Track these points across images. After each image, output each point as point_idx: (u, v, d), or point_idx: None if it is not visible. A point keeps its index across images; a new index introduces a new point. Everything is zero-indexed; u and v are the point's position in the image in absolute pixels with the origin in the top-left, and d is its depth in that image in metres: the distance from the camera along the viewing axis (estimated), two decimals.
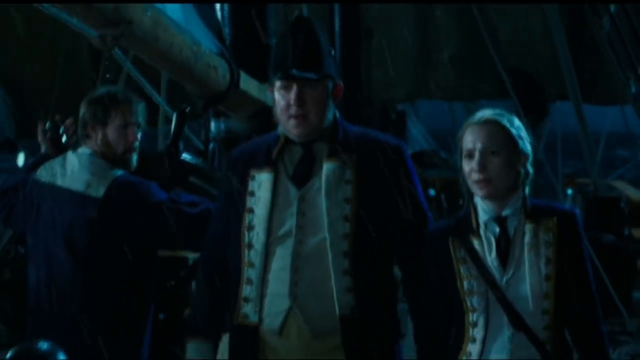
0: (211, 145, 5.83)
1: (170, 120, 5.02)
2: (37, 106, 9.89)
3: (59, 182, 4.52)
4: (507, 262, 3.63)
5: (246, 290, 3.83)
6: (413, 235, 3.86)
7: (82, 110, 4.58)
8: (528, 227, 3.64)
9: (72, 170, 4.51)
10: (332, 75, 3.84)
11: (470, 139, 3.65)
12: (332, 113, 3.88)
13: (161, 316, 5.04)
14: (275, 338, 3.81)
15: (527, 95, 9.46)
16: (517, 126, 3.68)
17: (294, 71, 3.76)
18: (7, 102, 9.84)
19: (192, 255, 5.06)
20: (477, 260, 3.63)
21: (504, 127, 3.65)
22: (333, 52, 3.88)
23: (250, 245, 3.83)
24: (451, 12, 10.44)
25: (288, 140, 3.86)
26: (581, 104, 9.13)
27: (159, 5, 4.43)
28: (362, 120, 8.59)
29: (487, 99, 10.21)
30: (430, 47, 10.60)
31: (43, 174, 4.59)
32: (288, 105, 3.80)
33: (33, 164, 4.75)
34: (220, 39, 5.40)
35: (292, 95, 3.79)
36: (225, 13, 6.19)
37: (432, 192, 10.79)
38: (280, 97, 3.81)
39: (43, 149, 4.82)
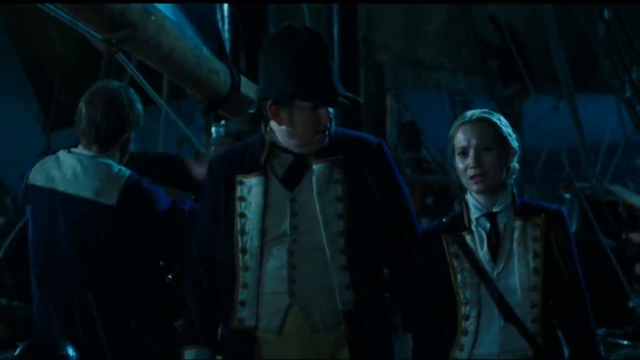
0: (212, 150, 5.91)
1: (172, 123, 5.02)
2: (68, 96, 9.92)
3: (60, 187, 4.32)
4: (497, 256, 3.75)
5: (242, 294, 3.87)
6: (399, 230, 3.95)
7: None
8: (517, 224, 3.78)
9: (73, 174, 4.32)
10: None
11: (464, 137, 3.78)
12: None
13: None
14: (274, 337, 3.86)
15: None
16: (505, 124, 3.82)
17: (340, 98, 3.82)
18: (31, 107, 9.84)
19: None
20: (469, 254, 3.76)
21: (495, 124, 3.80)
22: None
23: (244, 250, 3.87)
24: None
25: (275, 146, 3.90)
26: (574, 96, 9.03)
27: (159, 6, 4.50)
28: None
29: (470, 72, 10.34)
30: (417, 18, 10.84)
31: (37, 178, 4.37)
32: (318, 122, 3.83)
33: None
34: (219, 45, 5.48)
35: (324, 113, 3.83)
36: (225, 13, 6.27)
37: (429, 199, 10.85)
38: (307, 115, 3.81)
39: None
